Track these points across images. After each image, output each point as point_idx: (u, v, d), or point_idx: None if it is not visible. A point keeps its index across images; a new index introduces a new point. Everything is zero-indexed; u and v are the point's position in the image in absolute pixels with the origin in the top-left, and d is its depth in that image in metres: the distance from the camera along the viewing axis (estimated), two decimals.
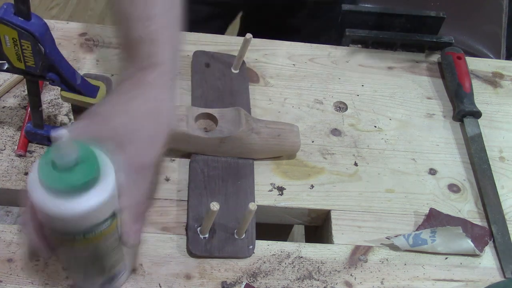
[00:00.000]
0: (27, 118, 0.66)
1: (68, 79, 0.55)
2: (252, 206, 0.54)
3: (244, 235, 0.59)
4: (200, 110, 0.64)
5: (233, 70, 0.75)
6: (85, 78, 0.62)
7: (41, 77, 0.55)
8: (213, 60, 0.75)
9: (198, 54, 0.76)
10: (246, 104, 0.72)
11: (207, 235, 0.58)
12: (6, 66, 0.55)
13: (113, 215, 0.45)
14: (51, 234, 0.45)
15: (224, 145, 0.64)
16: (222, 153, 0.65)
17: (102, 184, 0.43)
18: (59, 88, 0.57)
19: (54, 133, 0.39)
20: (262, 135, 0.64)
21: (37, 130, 0.63)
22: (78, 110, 0.60)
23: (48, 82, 0.56)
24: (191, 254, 0.58)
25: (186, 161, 0.66)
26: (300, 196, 0.65)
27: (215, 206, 0.54)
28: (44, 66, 0.54)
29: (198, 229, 0.59)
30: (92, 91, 0.58)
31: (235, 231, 0.59)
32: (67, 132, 0.39)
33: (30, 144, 0.65)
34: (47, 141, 0.64)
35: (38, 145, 0.65)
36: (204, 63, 0.75)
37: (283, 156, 0.68)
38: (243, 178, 0.64)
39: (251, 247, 0.59)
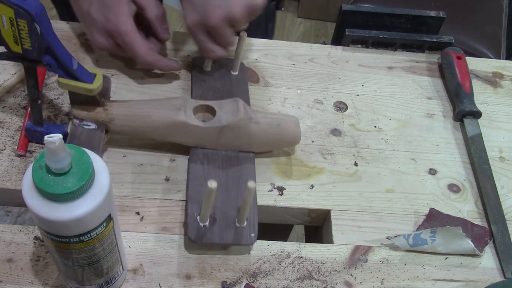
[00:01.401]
0: (27, 117, 0.66)
1: (65, 64, 0.56)
2: (251, 185, 0.53)
3: (245, 223, 0.59)
4: (198, 102, 0.64)
5: (232, 72, 0.75)
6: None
7: (38, 62, 0.55)
8: (213, 64, 0.75)
9: (197, 60, 0.76)
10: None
11: (207, 223, 0.58)
12: (3, 55, 0.55)
13: (109, 218, 0.45)
14: (46, 236, 0.45)
15: (223, 136, 0.63)
16: (221, 145, 0.64)
17: (97, 188, 0.42)
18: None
19: (47, 138, 0.39)
20: (261, 124, 0.64)
21: (36, 128, 0.63)
22: (75, 100, 0.60)
23: (46, 68, 0.56)
24: (190, 244, 0.57)
25: (186, 161, 0.66)
26: (300, 196, 0.65)
27: (212, 183, 0.52)
28: (41, 48, 0.54)
29: (198, 217, 0.58)
30: (89, 77, 0.58)
31: (236, 220, 0.59)
32: (60, 136, 0.39)
33: (30, 144, 0.65)
34: None
35: (38, 145, 0.65)
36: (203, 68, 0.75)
37: (284, 147, 0.68)
38: (244, 170, 0.64)
39: (253, 234, 0.58)
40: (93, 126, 0.61)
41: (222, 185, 0.62)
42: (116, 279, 0.53)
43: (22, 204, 0.43)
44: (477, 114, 0.75)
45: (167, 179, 0.64)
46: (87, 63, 0.75)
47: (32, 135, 0.64)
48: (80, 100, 0.59)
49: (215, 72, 0.74)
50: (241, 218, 0.58)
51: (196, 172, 0.63)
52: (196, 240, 0.57)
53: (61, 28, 0.79)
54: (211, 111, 0.64)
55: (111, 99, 0.65)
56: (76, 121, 0.61)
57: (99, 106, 0.61)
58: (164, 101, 0.63)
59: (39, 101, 0.61)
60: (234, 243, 0.58)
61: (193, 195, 0.61)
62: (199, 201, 0.60)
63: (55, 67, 0.56)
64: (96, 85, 0.58)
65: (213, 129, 0.62)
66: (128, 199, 0.62)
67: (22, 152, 0.63)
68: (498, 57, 1.21)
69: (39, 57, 0.55)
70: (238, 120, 0.62)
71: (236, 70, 0.75)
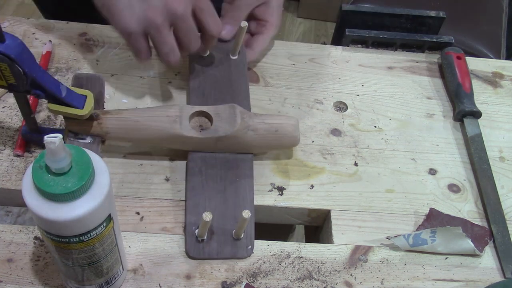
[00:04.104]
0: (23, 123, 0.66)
1: (52, 93, 0.55)
2: (246, 214, 0.54)
3: (242, 235, 0.59)
4: (194, 109, 0.64)
5: (231, 57, 0.74)
6: (74, 79, 0.62)
7: (26, 91, 0.55)
8: (212, 48, 0.74)
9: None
10: (244, 93, 0.71)
11: (205, 237, 0.58)
12: None
13: (109, 218, 0.45)
14: (46, 236, 0.45)
15: (220, 143, 0.63)
16: (219, 150, 0.64)
17: (97, 188, 0.42)
18: None
19: (47, 138, 0.39)
20: (259, 131, 0.64)
21: (33, 134, 0.63)
22: (69, 117, 0.60)
23: (35, 97, 0.56)
24: (190, 257, 0.58)
25: (186, 160, 0.66)
26: (300, 196, 0.65)
27: (207, 216, 0.53)
28: (26, 83, 0.53)
29: (196, 231, 0.59)
30: (78, 102, 0.57)
31: (233, 232, 0.59)
32: (60, 136, 0.39)
33: (30, 144, 0.65)
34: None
35: (38, 145, 0.65)
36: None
37: (282, 149, 0.68)
38: (242, 174, 0.64)
39: (250, 247, 0.59)
40: (88, 140, 0.60)
41: (220, 195, 0.62)
42: (116, 279, 0.53)
43: (22, 204, 0.43)
44: (477, 114, 0.75)
45: (167, 179, 0.64)
46: (87, 63, 0.75)
47: (30, 139, 0.64)
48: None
49: (213, 57, 0.73)
50: (238, 233, 0.58)
51: (194, 181, 0.62)
52: (195, 256, 0.58)
53: (61, 28, 0.79)
54: (208, 115, 0.64)
55: (105, 105, 0.65)
56: (71, 136, 0.60)
57: (94, 119, 0.60)
58: (159, 111, 0.62)
59: (32, 115, 0.61)
60: (231, 257, 0.58)
61: (191, 206, 0.61)
62: (197, 212, 0.60)
63: (43, 97, 0.55)
64: (87, 110, 0.57)
65: (210, 139, 0.62)
66: (128, 199, 0.62)
67: (20, 152, 0.63)
68: (498, 57, 1.21)
69: (25, 89, 0.54)
70: (235, 131, 0.62)
71: (235, 55, 0.74)
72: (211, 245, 0.58)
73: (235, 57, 0.74)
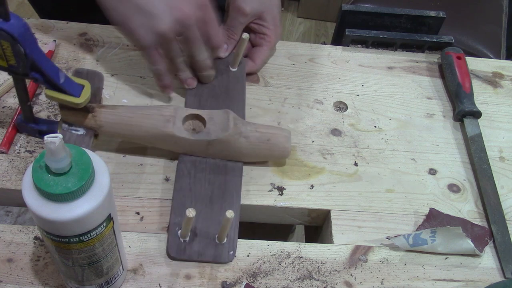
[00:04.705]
0: (17, 114, 0.66)
1: (51, 78, 0.55)
2: (229, 214, 0.53)
3: (225, 240, 0.59)
4: (188, 111, 0.64)
5: (231, 69, 0.75)
6: (74, 74, 0.63)
7: (25, 75, 0.55)
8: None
9: None
10: (241, 103, 0.71)
11: (187, 239, 0.58)
12: None
13: (109, 218, 0.45)
14: (46, 236, 0.45)
15: (211, 148, 0.63)
16: (210, 155, 0.64)
17: (97, 188, 0.42)
18: None
19: (47, 138, 0.39)
20: (251, 139, 0.63)
21: (28, 123, 0.63)
22: (65, 106, 0.60)
23: (32, 81, 0.56)
24: (170, 257, 0.58)
25: None
26: (300, 196, 0.65)
27: (190, 212, 0.53)
28: (26, 65, 0.53)
29: (179, 231, 0.58)
30: (75, 90, 0.57)
31: (216, 236, 0.59)
32: (60, 136, 0.39)
33: (30, 144, 0.65)
34: (38, 134, 0.64)
35: (38, 145, 0.65)
36: None
37: (273, 160, 0.67)
38: (231, 181, 0.63)
39: (231, 252, 0.58)
40: (81, 131, 0.61)
41: (207, 198, 0.62)
42: (116, 279, 0.53)
43: (22, 204, 0.43)
44: (477, 114, 0.75)
45: (167, 179, 0.64)
46: (87, 64, 0.75)
47: (24, 129, 0.64)
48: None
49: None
50: (221, 237, 0.58)
51: (182, 182, 0.62)
52: (175, 256, 0.57)
53: (61, 28, 0.79)
54: (202, 119, 0.64)
55: (103, 101, 0.65)
56: (65, 126, 0.61)
57: (89, 112, 0.60)
58: (154, 110, 0.63)
59: (28, 103, 0.61)
60: (212, 261, 0.58)
61: (177, 207, 0.60)
62: (182, 213, 0.60)
63: (41, 81, 0.56)
64: (83, 98, 0.57)
65: (202, 141, 0.62)
66: (128, 199, 0.62)
67: (5, 150, 0.63)
68: (498, 57, 1.21)
69: (25, 72, 0.54)
70: (227, 135, 0.62)
71: (235, 67, 0.74)
72: (192, 247, 0.58)
73: (235, 69, 0.74)
